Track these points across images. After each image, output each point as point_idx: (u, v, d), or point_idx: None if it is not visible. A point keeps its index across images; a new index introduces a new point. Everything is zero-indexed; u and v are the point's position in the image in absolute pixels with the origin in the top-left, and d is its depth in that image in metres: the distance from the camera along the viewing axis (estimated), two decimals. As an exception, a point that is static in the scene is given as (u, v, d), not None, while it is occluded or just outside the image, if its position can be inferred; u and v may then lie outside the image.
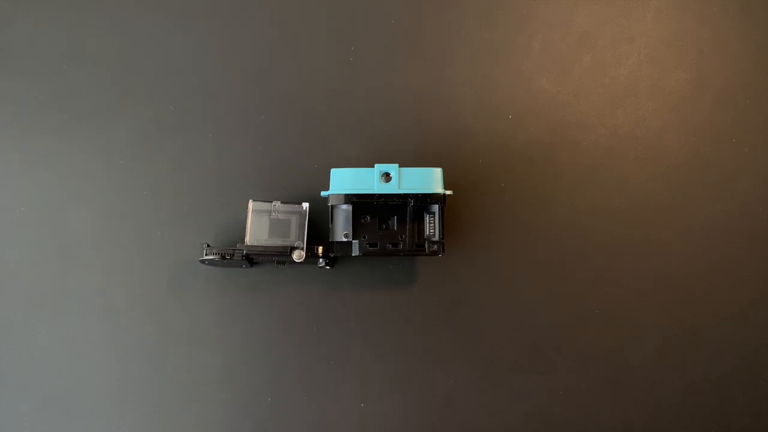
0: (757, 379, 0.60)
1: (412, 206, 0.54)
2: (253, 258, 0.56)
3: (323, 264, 0.57)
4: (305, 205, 0.57)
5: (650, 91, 0.62)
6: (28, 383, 0.60)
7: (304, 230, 0.57)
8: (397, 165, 0.54)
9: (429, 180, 0.54)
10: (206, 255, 0.56)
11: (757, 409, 0.60)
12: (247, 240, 0.56)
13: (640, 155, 0.62)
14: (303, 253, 0.55)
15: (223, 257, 0.55)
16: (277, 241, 0.56)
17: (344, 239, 0.55)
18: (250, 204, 0.56)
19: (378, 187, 0.54)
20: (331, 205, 0.55)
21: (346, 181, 0.54)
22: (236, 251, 0.55)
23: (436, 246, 0.55)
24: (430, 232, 0.55)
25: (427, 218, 0.55)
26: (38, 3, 0.63)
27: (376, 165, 0.54)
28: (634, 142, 0.62)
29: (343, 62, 0.63)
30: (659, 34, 0.63)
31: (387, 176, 0.54)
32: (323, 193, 0.56)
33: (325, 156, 0.61)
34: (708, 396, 0.60)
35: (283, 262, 0.59)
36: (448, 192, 0.55)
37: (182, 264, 0.61)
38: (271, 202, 0.57)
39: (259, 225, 0.56)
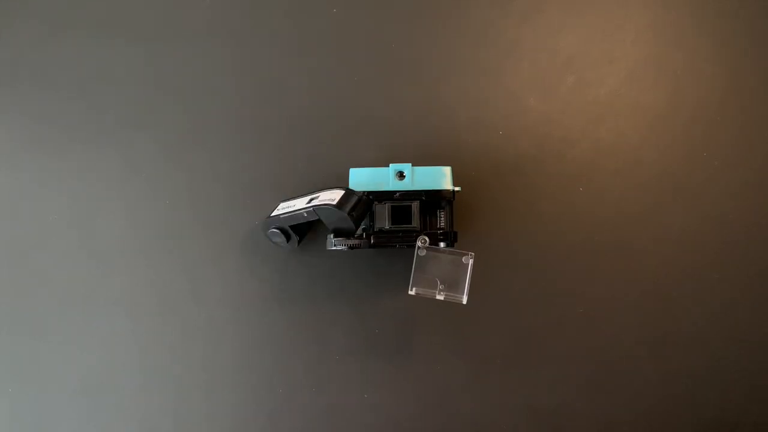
0: (727, 373, 0.61)
1: (423, 201, 0.55)
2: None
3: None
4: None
5: (629, 108, 0.63)
6: (60, 376, 0.61)
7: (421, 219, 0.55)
8: (410, 164, 0.56)
9: (439, 177, 0.56)
10: (335, 245, 0.54)
11: (726, 400, 0.61)
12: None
13: (620, 168, 0.63)
14: (426, 239, 0.54)
15: (350, 248, 0.54)
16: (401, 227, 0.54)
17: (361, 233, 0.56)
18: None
19: (393, 185, 0.55)
20: None
21: (363, 179, 0.56)
22: (363, 241, 0.54)
23: (446, 236, 0.55)
24: (440, 225, 0.56)
25: (438, 213, 0.56)
26: (70, 29, 0.64)
27: (390, 164, 0.56)
28: (614, 156, 0.63)
29: (350, 81, 0.64)
30: (638, 56, 0.64)
31: (401, 174, 0.56)
32: None
33: (334, 167, 0.62)
34: (682, 389, 0.61)
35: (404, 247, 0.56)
36: (457, 188, 0.56)
37: (200, 268, 0.62)
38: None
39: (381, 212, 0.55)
